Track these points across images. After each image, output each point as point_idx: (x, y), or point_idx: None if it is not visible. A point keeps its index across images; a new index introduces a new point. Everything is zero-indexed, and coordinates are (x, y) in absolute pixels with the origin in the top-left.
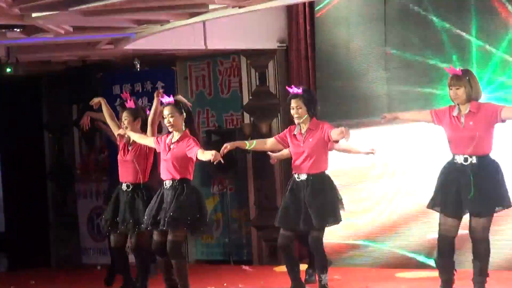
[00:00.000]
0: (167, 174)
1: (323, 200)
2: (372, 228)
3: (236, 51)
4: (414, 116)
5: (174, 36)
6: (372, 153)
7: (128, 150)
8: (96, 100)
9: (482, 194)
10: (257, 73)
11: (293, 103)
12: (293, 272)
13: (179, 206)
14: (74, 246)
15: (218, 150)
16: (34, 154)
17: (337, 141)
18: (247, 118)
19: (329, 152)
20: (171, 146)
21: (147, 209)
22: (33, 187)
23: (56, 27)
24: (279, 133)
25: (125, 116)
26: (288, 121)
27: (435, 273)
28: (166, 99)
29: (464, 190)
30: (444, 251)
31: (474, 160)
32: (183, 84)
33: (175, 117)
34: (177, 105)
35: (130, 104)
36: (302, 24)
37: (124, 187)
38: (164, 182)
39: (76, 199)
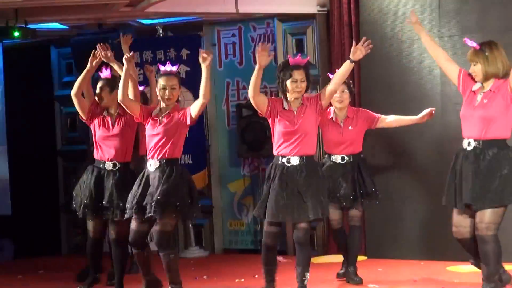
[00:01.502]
0: (154, 153)
1: (315, 187)
2: None
3: (270, 16)
4: (436, 53)
5: None
6: (431, 114)
7: (113, 123)
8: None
9: (488, 185)
10: (294, 40)
11: (299, 74)
12: (272, 274)
13: (168, 189)
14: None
15: (250, 125)
16: (44, 130)
17: (355, 61)
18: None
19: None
20: (161, 119)
21: (129, 194)
22: (42, 167)
23: None
24: None
25: (99, 86)
26: None
27: None
28: (169, 68)
29: (474, 179)
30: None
31: (481, 144)
32: (211, 52)
33: (177, 90)
34: (179, 75)
35: (104, 74)
36: None
37: (109, 166)
38: (149, 162)
39: None
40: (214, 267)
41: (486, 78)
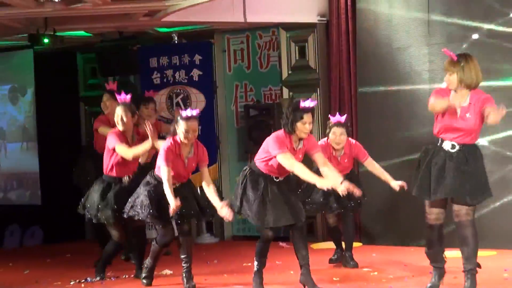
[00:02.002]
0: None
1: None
2: None
3: (275, 25)
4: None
5: (213, 8)
6: (403, 187)
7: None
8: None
9: (468, 181)
10: (296, 47)
11: (309, 118)
12: (263, 262)
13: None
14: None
15: (256, 124)
16: (70, 127)
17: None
18: (286, 93)
19: None
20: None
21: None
22: (68, 162)
23: None
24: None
25: (121, 113)
26: (328, 97)
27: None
28: (192, 112)
29: (452, 175)
30: (433, 240)
31: (461, 147)
32: (221, 57)
33: (197, 132)
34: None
35: (125, 98)
36: None
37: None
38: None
39: None
40: (224, 252)
41: (460, 87)
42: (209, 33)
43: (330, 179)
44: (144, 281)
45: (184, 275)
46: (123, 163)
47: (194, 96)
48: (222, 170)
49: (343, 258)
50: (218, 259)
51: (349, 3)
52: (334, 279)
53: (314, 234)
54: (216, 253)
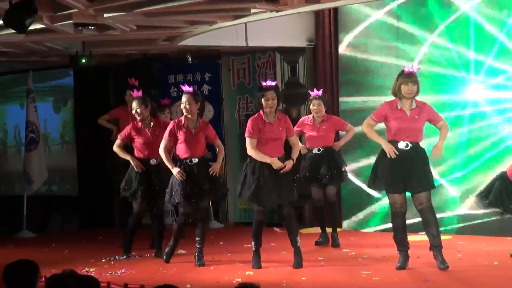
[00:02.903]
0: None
1: (289, 177)
2: None
3: (272, 48)
4: (376, 136)
5: (220, 35)
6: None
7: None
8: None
9: (422, 174)
10: (289, 67)
11: (270, 94)
12: (259, 243)
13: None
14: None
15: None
16: (103, 130)
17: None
18: (280, 105)
19: None
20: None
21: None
22: (101, 159)
23: (123, 26)
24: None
25: (136, 106)
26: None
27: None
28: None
29: (408, 171)
30: (399, 227)
31: (412, 146)
32: (227, 75)
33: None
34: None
35: (137, 93)
36: (327, 26)
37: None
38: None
39: None
40: (228, 236)
41: (415, 96)
42: (217, 55)
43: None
44: (165, 257)
45: (196, 254)
46: (141, 148)
47: (205, 107)
48: (227, 168)
49: (332, 238)
50: (224, 241)
51: (332, 31)
52: (319, 258)
53: (303, 221)
54: (222, 236)
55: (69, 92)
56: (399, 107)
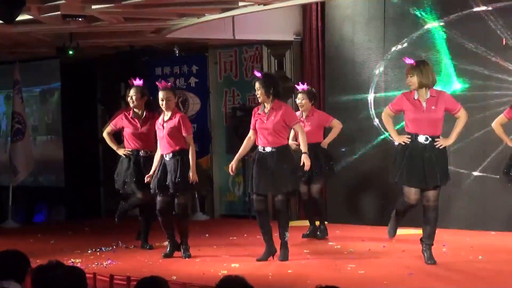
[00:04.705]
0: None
1: (286, 168)
2: None
3: (259, 42)
4: (390, 127)
5: (207, 28)
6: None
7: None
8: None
9: (440, 169)
10: (276, 61)
11: (256, 85)
12: (269, 234)
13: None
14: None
15: (241, 123)
16: (89, 124)
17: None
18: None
19: None
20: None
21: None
22: (87, 151)
23: (111, 17)
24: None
25: (132, 93)
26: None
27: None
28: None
29: (427, 165)
30: (400, 212)
31: (432, 139)
32: (214, 68)
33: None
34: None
35: (138, 82)
36: (314, 20)
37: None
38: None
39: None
40: (214, 228)
41: (420, 86)
42: (204, 48)
43: None
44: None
45: (182, 246)
46: (129, 138)
47: (191, 99)
48: (213, 160)
49: (320, 231)
50: (209, 233)
51: (319, 24)
52: (305, 251)
53: (289, 214)
54: (207, 228)
55: (55, 83)
56: (415, 98)
